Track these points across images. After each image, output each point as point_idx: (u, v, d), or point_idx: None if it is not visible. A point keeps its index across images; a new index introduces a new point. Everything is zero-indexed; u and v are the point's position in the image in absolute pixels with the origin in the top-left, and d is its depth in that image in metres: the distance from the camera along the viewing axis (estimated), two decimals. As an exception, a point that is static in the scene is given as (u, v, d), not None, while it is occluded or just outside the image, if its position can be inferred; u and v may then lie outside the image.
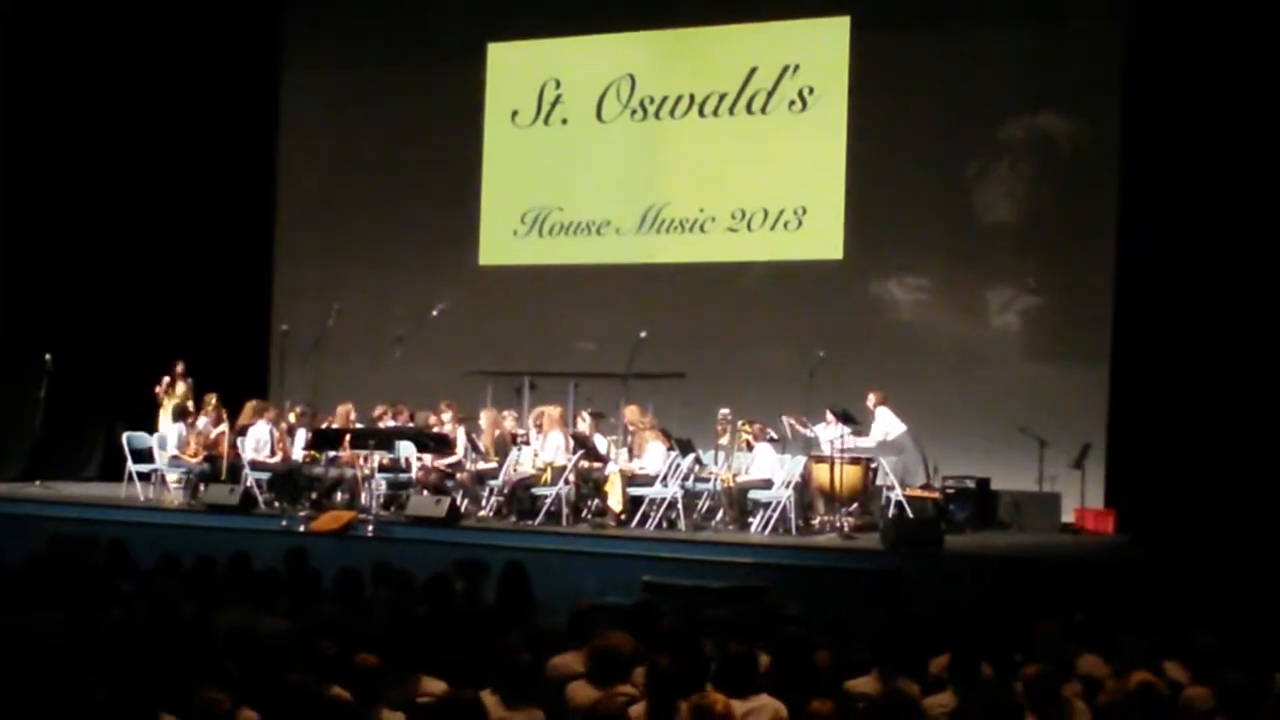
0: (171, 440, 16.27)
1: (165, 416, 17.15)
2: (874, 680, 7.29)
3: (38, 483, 17.27)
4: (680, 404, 17.45)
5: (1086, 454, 16.11)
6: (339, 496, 15.67)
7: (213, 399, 16.55)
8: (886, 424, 15.48)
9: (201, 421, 16.46)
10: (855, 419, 14.99)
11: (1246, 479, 14.86)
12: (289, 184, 20.70)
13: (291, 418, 16.64)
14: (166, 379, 17.55)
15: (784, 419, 15.27)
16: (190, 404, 17.16)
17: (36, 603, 8.20)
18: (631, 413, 15.73)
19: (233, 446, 16.04)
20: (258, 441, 15.96)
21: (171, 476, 16.47)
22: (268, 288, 20.57)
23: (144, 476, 16.48)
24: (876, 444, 15.28)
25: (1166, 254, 15.78)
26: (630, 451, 15.51)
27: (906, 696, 6.86)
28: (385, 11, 20.13)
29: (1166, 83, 15.86)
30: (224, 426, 16.25)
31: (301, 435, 16.19)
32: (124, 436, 16.81)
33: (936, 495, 15.37)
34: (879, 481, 15.09)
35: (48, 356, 17.20)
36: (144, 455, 16.56)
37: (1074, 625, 8.65)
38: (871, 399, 15.64)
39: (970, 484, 15.93)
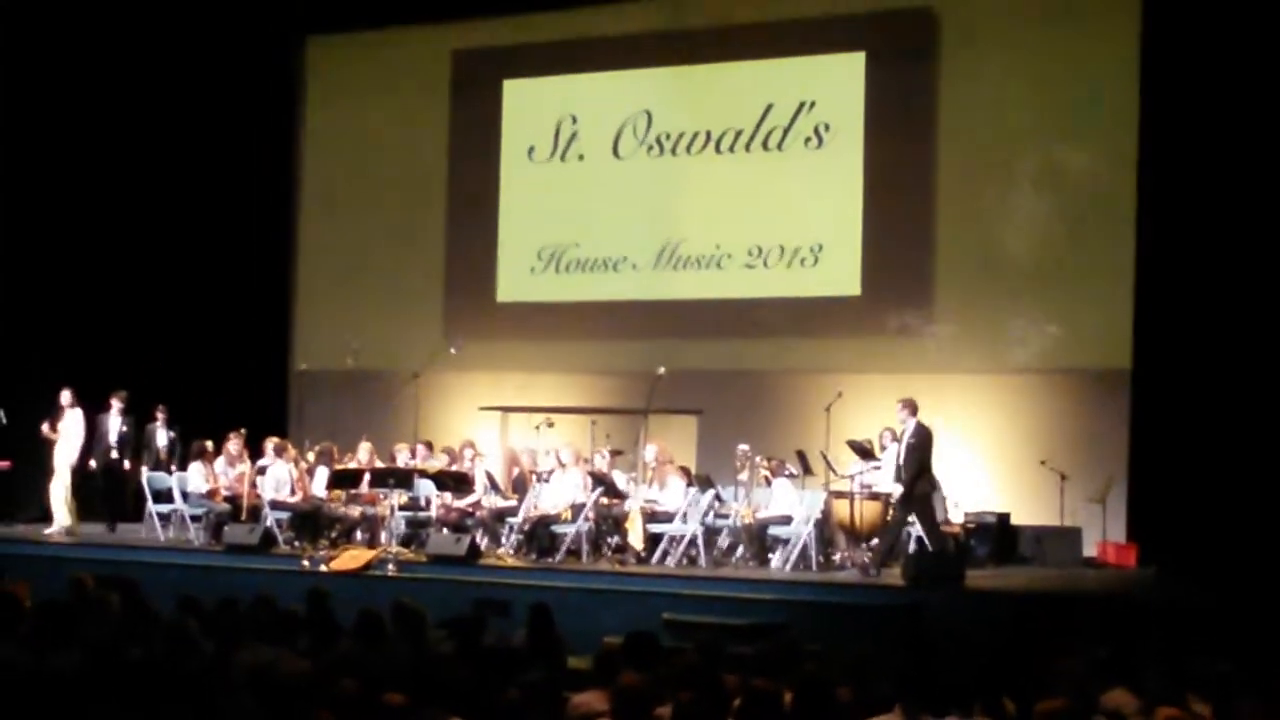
0: (192, 481, 16.27)
1: (60, 452, 16.79)
2: (897, 717, 7.25)
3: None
4: (699, 440, 17.51)
5: (1109, 488, 16.04)
6: (359, 535, 15.65)
7: (234, 439, 16.53)
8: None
9: (219, 462, 16.45)
10: (873, 453, 14.95)
11: (1270, 510, 14.80)
12: (308, 222, 20.77)
13: (311, 457, 16.65)
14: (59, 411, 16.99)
15: (821, 453, 15.15)
16: (74, 439, 16.85)
17: (56, 643, 8.18)
18: (651, 450, 15.72)
19: (253, 486, 16.05)
20: (277, 481, 15.98)
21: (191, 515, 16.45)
22: (287, 327, 20.62)
23: (164, 517, 16.50)
24: (893, 479, 15.18)
25: (1186, 285, 15.79)
26: (650, 488, 15.49)
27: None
28: (403, 49, 20.22)
29: (1183, 113, 15.89)
30: (244, 466, 16.25)
31: (322, 474, 16.18)
32: (144, 477, 16.84)
33: (957, 530, 15.32)
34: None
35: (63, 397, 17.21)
36: (164, 496, 16.59)
37: (1097, 660, 8.59)
38: (888, 434, 15.62)
39: (991, 519, 15.89)
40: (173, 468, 17.04)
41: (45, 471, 16.93)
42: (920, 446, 13.86)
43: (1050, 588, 13.90)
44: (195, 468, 16.31)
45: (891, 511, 14.20)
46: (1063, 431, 16.72)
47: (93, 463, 17.19)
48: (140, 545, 15.98)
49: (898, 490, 13.91)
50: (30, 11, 18.95)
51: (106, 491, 17.42)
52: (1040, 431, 16.81)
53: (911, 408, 14.05)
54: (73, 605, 9.37)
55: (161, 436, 17.57)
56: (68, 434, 16.81)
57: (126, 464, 17.32)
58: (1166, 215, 16.00)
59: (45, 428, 16.86)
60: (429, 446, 16.66)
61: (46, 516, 16.94)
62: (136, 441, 17.49)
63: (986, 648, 10.27)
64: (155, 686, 7.31)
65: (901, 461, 13.92)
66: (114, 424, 17.27)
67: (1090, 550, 15.93)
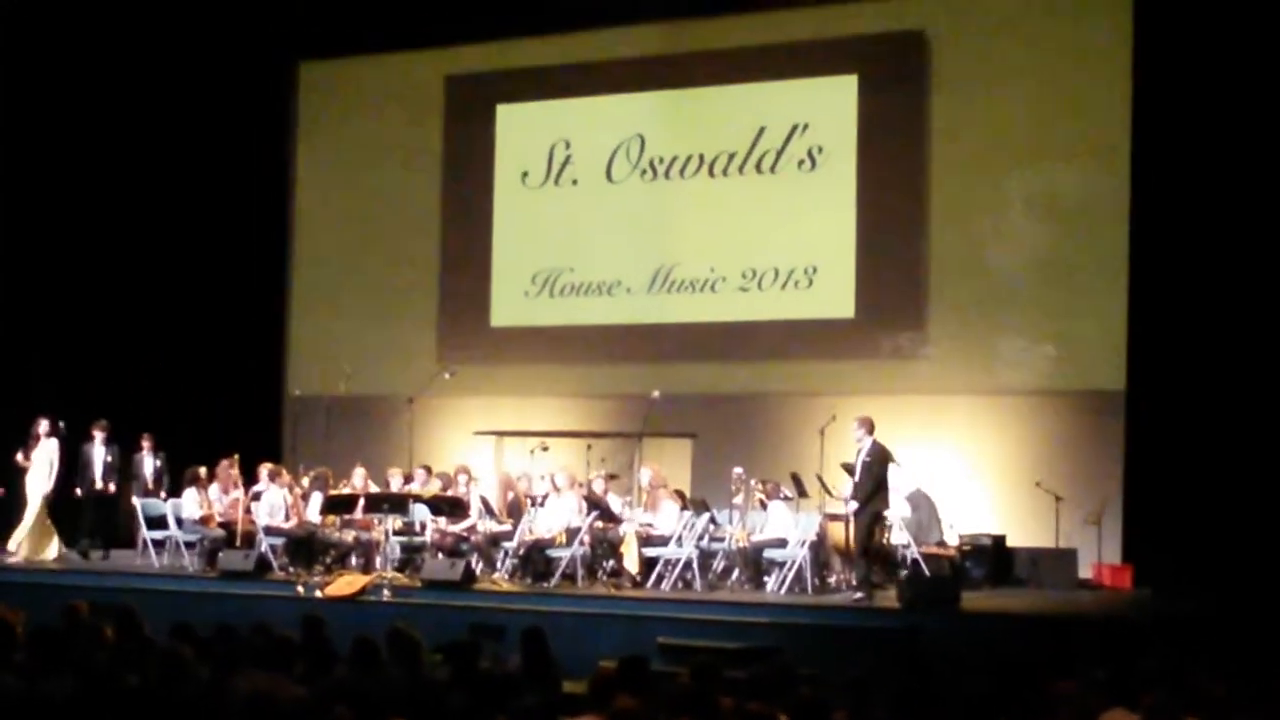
0: (186, 507, 16.24)
1: (32, 480, 16.72)
2: (894, 740, 7.23)
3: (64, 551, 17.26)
4: (693, 464, 17.50)
5: (1104, 509, 16.03)
6: (354, 561, 15.63)
7: (227, 464, 16.51)
8: (896, 481, 15.41)
9: (213, 489, 16.43)
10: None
11: (1266, 530, 14.80)
12: (302, 247, 20.79)
13: (305, 482, 16.63)
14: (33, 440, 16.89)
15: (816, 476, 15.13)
16: (51, 467, 16.81)
17: (50, 670, 8.16)
18: (646, 473, 15.72)
19: (247, 512, 16.02)
20: (272, 507, 15.95)
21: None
22: (280, 352, 20.61)
23: (158, 543, 16.47)
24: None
25: (1180, 305, 15.81)
26: (645, 512, 15.48)
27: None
28: (396, 74, 20.26)
29: (1175, 131, 15.94)
30: (239, 492, 16.22)
31: (316, 499, 16.16)
32: (137, 504, 16.81)
33: (952, 553, 15.30)
34: (894, 540, 15.01)
35: (61, 424, 17.19)
36: (158, 522, 16.55)
37: (1096, 681, 8.57)
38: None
39: (986, 541, 15.88)
40: (161, 494, 17.01)
41: (19, 500, 16.88)
42: (875, 464, 13.85)
43: (1047, 609, 13.87)
44: (190, 494, 16.27)
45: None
46: (1057, 453, 16.73)
47: (79, 491, 17.17)
48: (134, 572, 15.96)
49: (853, 506, 13.89)
50: (29, 30, 18.97)
51: (96, 520, 17.38)
52: (1035, 453, 16.81)
53: (868, 426, 14.05)
54: (67, 632, 9.35)
55: (148, 464, 17.54)
56: (39, 463, 16.77)
57: (113, 490, 17.30)
58: (1160, 235, 16.03)
59: (19, 456, 16.83)
60: (428, 470, 16.65)
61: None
62: (125, 469, 17.47)
63: (984, 670, 10.24)
64: (150, 713, 7.29)
65: (857, 479, 13.92)
66: (98, 453, 17.26)
67: (1086, 572, 15.92)
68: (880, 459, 13.87)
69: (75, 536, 17.36)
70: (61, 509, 17.15)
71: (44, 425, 16.83)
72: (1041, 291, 17.03)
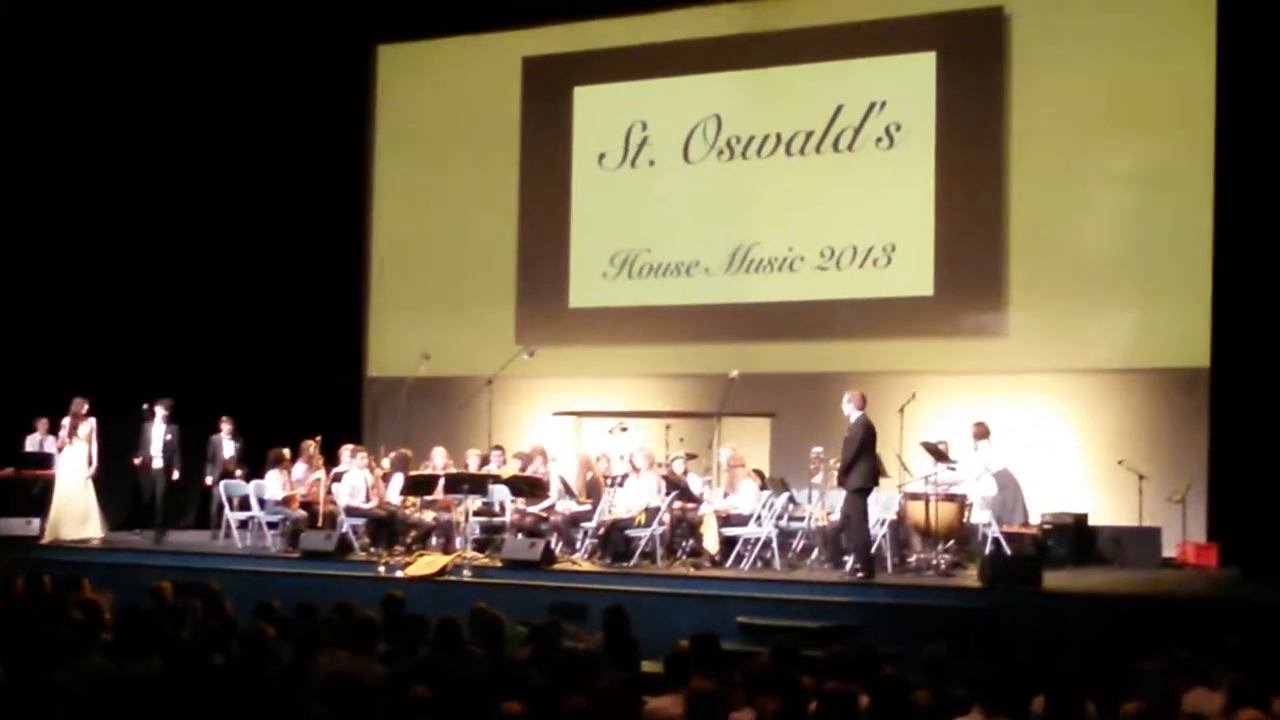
0: (269, 488, 16.40)
1: (70, 461, 16.75)
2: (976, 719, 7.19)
3: (138, 532, 17.46)
4: (772, 443, 17.46)
5: (1188, 488, 15.86)
6: (434, 541, 15.72)
7: (310, 445, 16.66)
8: (987, 458, 15.35)
9: (298, 469, 16.59)
10: (946, 455, 14.87)
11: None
12: (381, 230, 20.90)
13: (386, 463, 16.75)
14: (67, 420, 16.86)
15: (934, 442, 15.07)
16: (92, 447, 16.84)
17: (137, 651, 8.27)
18: (725, 453, 15.71)
19: (328, 493, 16.16)
20: (353, 487, 16.08)
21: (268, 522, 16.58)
22: (360, 334, 20.76)
23: (241, 524, 16.66)
24: (975, 479, 15.11)
25: (1266, 278, 15.59)
26: (724, 494, 15.48)
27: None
28: (473, 57, 20.32)
29: (1262, 102, 15.69)
30: (320, 473, 16.36)
31: (397, 480, 16.27)
32: (221, 485, 17.00)
33: (1034, 532, 15.21)
34: (973, 519, 14.94)
35: (144, 406, 17.38)
36: (241, 503, 16.73)
37: (1180, 661, 8.50)
38: (972, 431, 15.55)
39: (1068, 520, 15.77)
40: (237, 477, 17.18)
41: (45, 480, 16.96)
42: (856, 440, 13.77)
43: (1130, 588, 13.75)
44: (273, 475, 16.43)
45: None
46: (1140, 431, 16.56)
47: (137, 463, 17.27)
48: (218, 553, 16.16)
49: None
50: (105, 18, 19.13)
51: (154, 500, 17.41)
52: (1117, 431, 16.65)
53: (858, 401, 14.00)
54: (154, 613, 9.48)
55: (228, 447, 17.72)
56: (81, 442, 16.82)
57: (176, 473, 17.44)
58: (1245, 208, 15.81)
59: (62, 435, 16.83)
60: (501, 451, 16.72)
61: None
62: (202, 451, 17.63)
63: (1065, 650, 10.18)
64: (235, 692, 7.37)
65: (841, 456, 13.91)
66: (158, 431, 17.33)
67: (1170, 551, 15.76)
68: (862, 435, 13.76)
69: (134, 516, 17.51)
70: (117, 487, 17.31)
71: (84, 405, 16.85)
72: (1124, 268, 16.84)
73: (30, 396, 17.60)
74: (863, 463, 13.76)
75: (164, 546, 16.77)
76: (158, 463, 17.29)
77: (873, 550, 14.10)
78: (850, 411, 13.97)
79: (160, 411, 17.38)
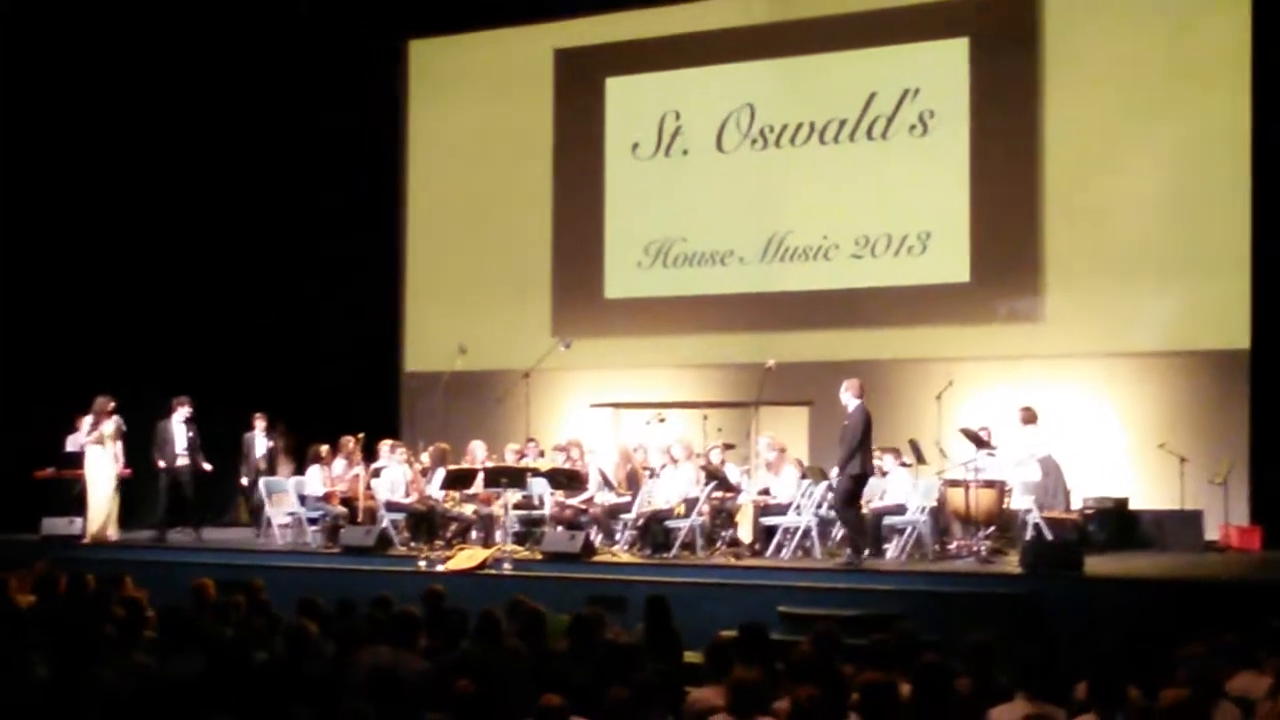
0: (310, 484, 16.44)
1: (97, 460, 16.57)
2: (1018, 707, 7.16)
3: (177, 530, 17.51)
4: (810, 432, 17.43)
5: (1230, 470, 15.77)
6: (474, 535, 15.74)
7: (349, 441, 16.67)
8: (1031, 444, 15.27)
9: (338, 464, 16.62)
10: (986, 441, 14.82)
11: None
12: (415, 225, 20.94)
13: (425, 458, 16.77)
14: (90, 418, 16.70)
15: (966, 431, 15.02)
16: (117, 445, 16.72)
17: (178, 648, 8.31)
18: (764, 440, 15.69)
19: (368, 488, 16.20)
20: (393, 483, 16.12)
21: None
22: (397, 329, 20.82)
23: (282, 522, 16.73)
24: (1018, 464, 15.05)
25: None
26: (765, 475, 15.45)
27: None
28: (505, 49, 20.33)
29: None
30: (359, 469, 16.39)
31: (437, 475, 16.29)
32: (261, 482, 17.07)
33: (1075, 517, 15.14)
34: (1014, 504, 14.89)
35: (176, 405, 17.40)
36: (278, 500, 16.81)
37: (1224, 645, 8.44)
38: (1020, 416, 15.48)
39: (1109, 504, 15.70)
40: (277, 474, 17.22)
41: (82, 480, 16.84)
42: (853, 428, 13.75)
43: (1172, 572, 13.66)
44: (313, 471, 16.46)
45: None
46: (1181, 414, 16.48)
47: (160, 464, 17.11)
48: (258, 549, 16.20)
49: (834, 473, 13.93)
50: (136, 13, 19.17)
51: (178, 498, 17.26)
52: (1158, 414, 16.57)
53: (856, 389, 14.01)
54: (196, 610, 9.52)
55: (260, 444, 17.76)
56: (107, 440, 16.70)
57: (207, 465, 17.41)
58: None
59: (85, 433, 16.76)
60: (536, 444, 16.75)
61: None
62: (236, 448, 17.66)
63: (1108, 635, 10.13)
64: (278, 689, 7.39)
65: (840, 443, 13.91)
66: (179, 430, 17.21)
67: (1212, 534, 15.67)
68: (860, 424, 13.73)
69: (170, 515, 17.53)
70: (142, 486, 17.35)
71: (109, 403, 16.67)
72: (1161, 251, 16.75)
73: (72, 396, 17.65)
74: (862, 451, 13.77)
75: (204, 543, 16.83)
76: (183, 460, 17.17)
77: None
78: (849, 400, 13.96)
79: (184, 411, 17.20)
